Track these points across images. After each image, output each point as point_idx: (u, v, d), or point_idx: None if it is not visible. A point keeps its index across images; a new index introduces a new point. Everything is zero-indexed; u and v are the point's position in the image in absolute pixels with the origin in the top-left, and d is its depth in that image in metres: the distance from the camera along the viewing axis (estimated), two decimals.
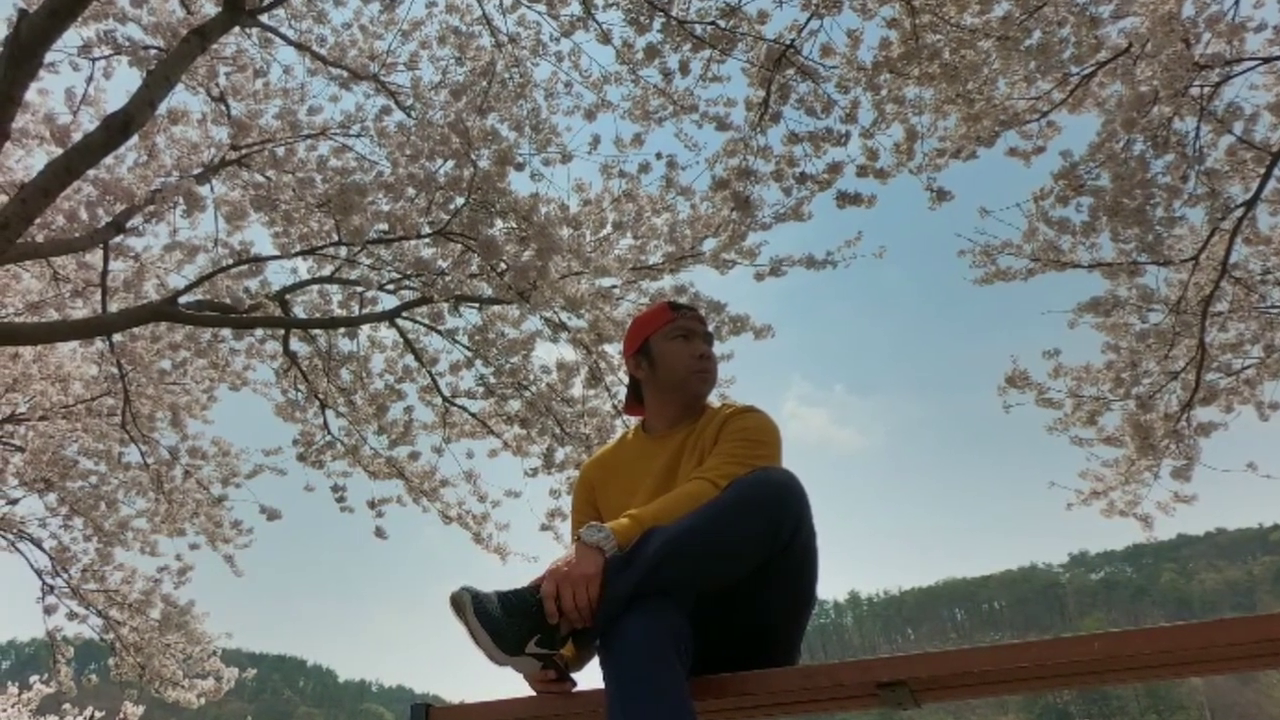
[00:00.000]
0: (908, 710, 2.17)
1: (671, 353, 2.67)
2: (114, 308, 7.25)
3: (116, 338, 7.79)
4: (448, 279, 6.73)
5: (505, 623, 2.05)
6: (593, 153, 7.41)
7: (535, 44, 7.57)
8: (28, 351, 8.64)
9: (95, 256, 7.48)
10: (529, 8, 7.54)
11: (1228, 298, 7.58)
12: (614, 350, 7.51)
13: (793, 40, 6.64)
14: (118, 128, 5.19)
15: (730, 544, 2.14)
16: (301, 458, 8.65)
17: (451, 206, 6.49)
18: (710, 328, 2.82)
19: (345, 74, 7.73)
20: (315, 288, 7.84)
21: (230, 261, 7.16)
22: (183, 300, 6.70)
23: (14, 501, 9.62)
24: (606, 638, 2.04)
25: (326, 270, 7.62)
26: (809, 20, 6.59)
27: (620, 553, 2.11)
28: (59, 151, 5.58)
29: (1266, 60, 6.77)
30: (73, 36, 6.70)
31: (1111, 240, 7.31)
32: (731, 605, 2.26)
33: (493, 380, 7.99)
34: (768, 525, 2.17)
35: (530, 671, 2.16)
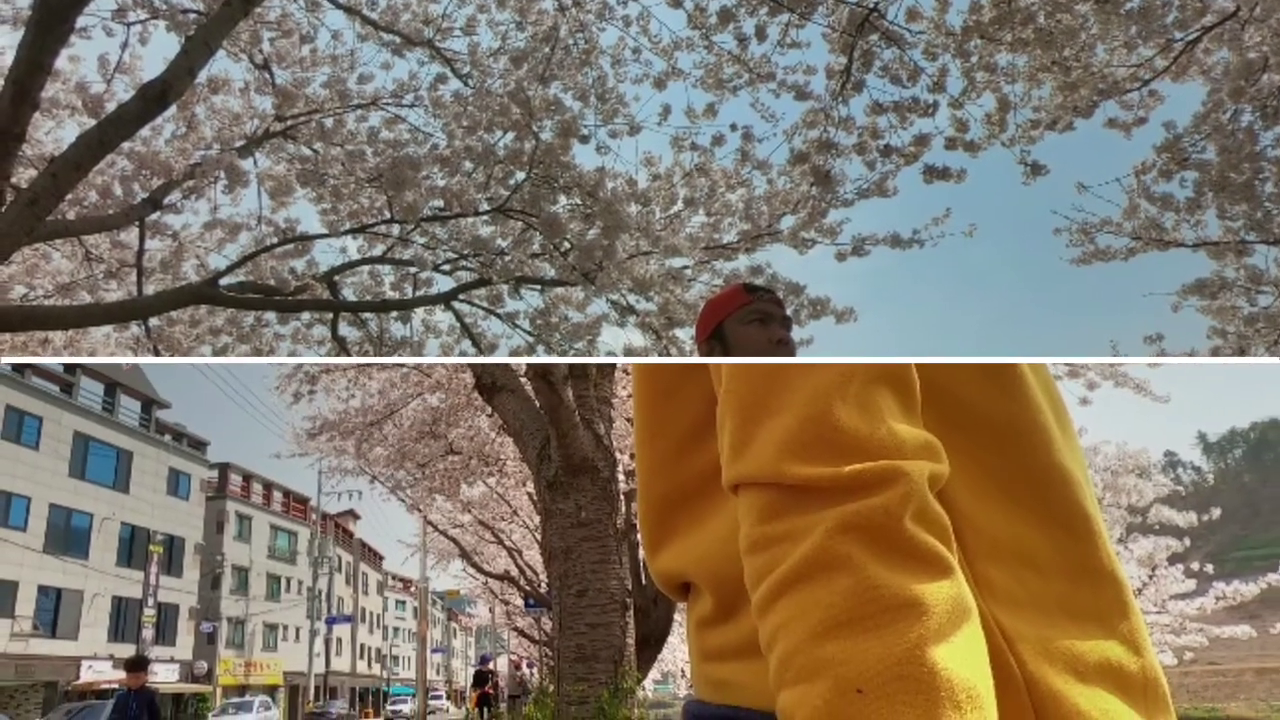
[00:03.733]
0: None
1: (747, 338, 2.47)
2: (150, 290, 7.14)
3: (153, 322, 7.56)
4: (507, 259, 6.54)
5: None
6: (663, 124, 7.28)
7: (601, 7, 7.32)
8: (58, 337, 8.44)
9: (130, 235, 7.36)
10: None
11: None
12: (686, 335, 7.30)
13: (876, 3, 6.43)
14: (154, 97, 4.92)
15: None
16: None
17: (511, 181, 6.41)
18: (789, 311, 2.71)
19: (398, 40, 7.51)
20: (366, 268, 7.74)
21: (275, 240, 7.09)
22: (224, 282, 6.56)
23: None
24: None
25: (378, 250, 7.48)
26: None
27: None
28: (92, 122, 5.45)
29: None
30: None
31: (1218, 218, 7.09)
32: None
33: None
34: None
35: None
